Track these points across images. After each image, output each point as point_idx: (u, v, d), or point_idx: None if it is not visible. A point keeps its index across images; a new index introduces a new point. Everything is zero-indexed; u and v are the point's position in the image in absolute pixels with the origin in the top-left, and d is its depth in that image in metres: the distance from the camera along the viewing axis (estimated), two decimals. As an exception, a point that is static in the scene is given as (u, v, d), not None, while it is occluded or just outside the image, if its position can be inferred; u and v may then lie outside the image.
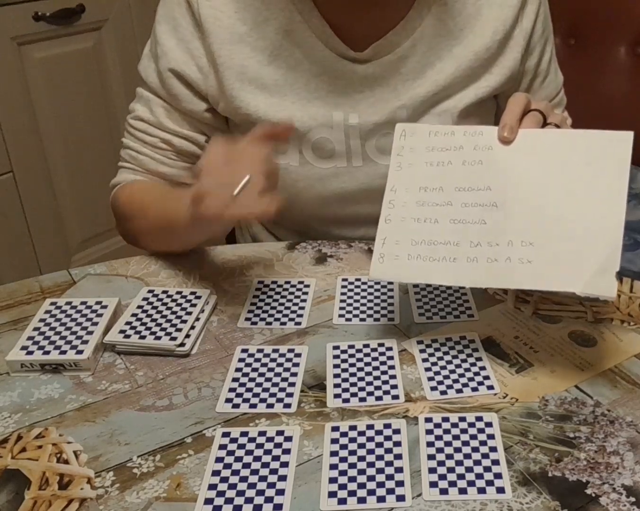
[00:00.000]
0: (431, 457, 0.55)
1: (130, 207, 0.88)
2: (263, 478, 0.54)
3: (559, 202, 0.64)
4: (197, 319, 0.72)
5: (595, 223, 0.62)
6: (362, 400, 0.62)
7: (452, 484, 0.53)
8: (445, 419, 0.59)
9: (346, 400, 0.62)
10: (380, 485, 0.53)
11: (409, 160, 0.69)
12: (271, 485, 0.53)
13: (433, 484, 0.53)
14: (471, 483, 0.53)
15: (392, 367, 0.66)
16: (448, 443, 0.57)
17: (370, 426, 0.59)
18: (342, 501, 0.52)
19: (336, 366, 0.66)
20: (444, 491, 0.53)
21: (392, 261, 0.66)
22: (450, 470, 0.54)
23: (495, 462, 0.55)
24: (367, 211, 0.89)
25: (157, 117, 0.88)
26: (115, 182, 0.93)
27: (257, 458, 0.56)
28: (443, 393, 0.63)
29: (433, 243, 0.66)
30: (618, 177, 0.63)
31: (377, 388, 0.63)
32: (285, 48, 0.83)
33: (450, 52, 0.84)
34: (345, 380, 0.64)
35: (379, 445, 0.57)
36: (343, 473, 0.54)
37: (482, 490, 0.53)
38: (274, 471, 0.55)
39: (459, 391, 0.63)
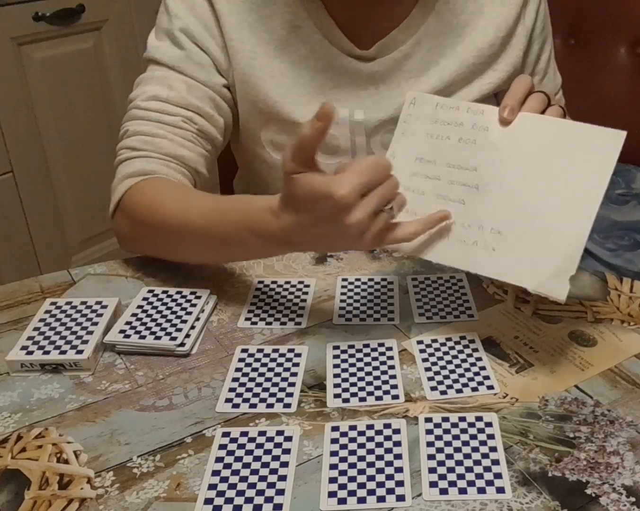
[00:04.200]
0: (431, 457, 0.55)
1: (161, 207, 0.76)
2: (263, 478, 0.54)
3: (535, 194, 0.64)
4: (197, 319, 0.72)
5: (564, 223, 0.62)
6: (362, 400, 0.62)
7: (452, 484, 0.53)
8: (445, 419, 0.59)
9: (346, 400, 0.62)
10: (380, 484, 0.53)
11: (412, 129, 0.71)
12: (271, 485, 0.53)
13: (433, 484, 0.53)
14: (471, 483, 0.53)
15: (392, 367, 0.66)
16: (448, 443, 0.57)
17: (370, 426, 0.59)
18: (342, 501, 0.52)
19: (336, 366, 0.66)
20: (443, 491, 0.53)
21: None
22: (450, 469, 0.54)
23: (495, 462, 0.55)
24: None
25: (180, 92, 0.82)
26: (128, 173, 0.80)
27: (257, 458, 0.56)
28: (443, 393, 0.63)
29: (414, 213, 0.67)
30: (600, 177, 0.62)
31: (377, 388, 0.63)
32: (290, 43, 0.83)
33: (453, 50, 0.85)
34: (345, 380, 0.64)
35: (379, 444, 0.57)
36: (343, 473, 0.54)
37: (482, 490, 0.53)
38: (274, 471, 0.55)
39: (459, 391, 0.63)
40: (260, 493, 0.53)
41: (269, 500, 0.52)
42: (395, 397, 0.62)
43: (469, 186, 0.66)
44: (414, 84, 0.85)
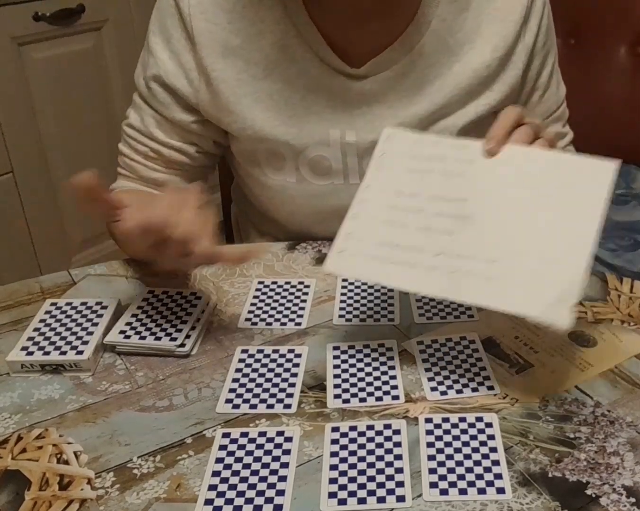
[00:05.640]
0: (431, 458, 0.55)
1: None
2: (263, 479, 0.54)
3: (530, 224, 0.62)
4: (197, 319, 0.72)
5: (562, 251, 0.60)
6: (362, 400, 0.62)
7: (452, 485, 0.53)
8: (446, 420, 0.59)
9: (346, 401, 0.62)
10: (381, 485, 0.53)
11: (389, 164, 0.69)
12: (271, 486, 0.53)
13: (433, 485, 0.53)
14: (471, 484, 0.53)
15: (392, 367, 0.66)
16: (448, 444, 0.57)
17: (370, 427, 0.59)
18: (342, 501, 0.52)
19: (336, 366, 0.66)
20: (444, 492, 0.53)
21: (350, 258, 0.65)
22: (451, 470, 0.54)
23: (496, 463, 0.55)
24: None
25: (147, 127, 0.87)
26: (111, 187, 0.92)
27: (257, 459, 0.56)
28: (443, 393, 0.63)
29: (396, 246, 0.64)
30: (594, 207, 0.61)
31: (377, 388, 0.63)
32: (280, 63, 0.81)
33: (450, 70, 0.82)
34: (345, 380, 0.64)
35: (379, 445, 0.57)
36: (343, 473, 0.54)
37: (482, 491, 0.53)
38: (274, 472, 0.55)
39: (459, 391, 0.63)
40: (260, 493, 0.53)
41: (269, 500, 0.52)
42: (396, 398, 0.62)
43: (457, 217, 0.64)
44: (407, 103, 0.83)
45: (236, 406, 0.62)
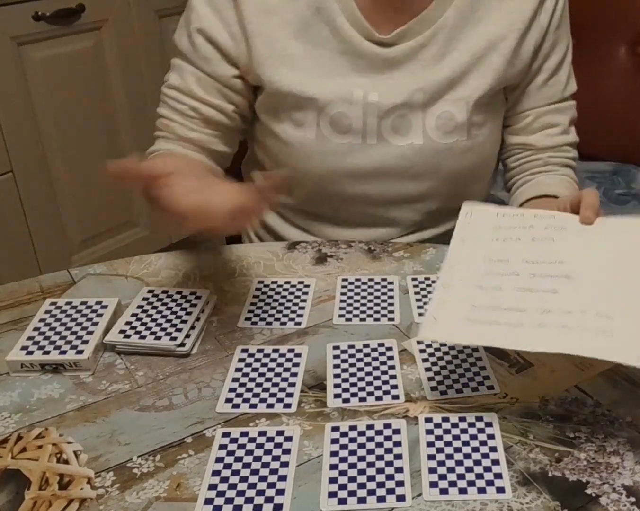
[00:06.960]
0: (431, 457, 0.55)
1: None
2: (263, 478, 0.54)
3: (636, 285, 0.62)
4: (197, 319, 0.72)
5: None
6: (362, 400, 0.62)
7: (452, 484, 0.53)
8: (445, 419, 0.59)
9: (346, 400, 0.62)
10: (381, 485, 0.53)
11: (473, 236, 0.69)
12: (271, 485, 0.53)
13: (433, 484, 0.53)
14: (471, 483, 0.53)
15: (392, 367, 0.66)
16: (448, 443, 0.57)
17: (370, 426, 0.59)
18: (342, 501, 0.52)
19: (336, 366, 0.66)
20: (444, 491, 0.53)
21: (447, 324, 0.62)
22: (451, 470, 0.54)
23: (495, 462, 0.55)
24: (375, 191, 0.91)
25: (188, 85, 0.89)
26: (149, 151, 0.94)
27: (257, 458, 0.56)
28: (443, 393, 0.63)
29: (498, 308, 0.62)
30: None
31: (377, 388, 0.63)
32: (313, 24, 0.86)
33: (467, 42, 0.87)
34: (345, 380, 0.64)
35: (379, 445, 0.57)
36: (343, 473, 0.54)
37: (482, 490, 0.53)
38: (274, 471, 0.55)
39: (459, 391, 0.63)
40: (260, 493, 0.53)
41: (269, 500, 0.52)
42: (396, 397, 0.62)
43: (557, 277, 0.63)
44: (428, 73, 0.87)
45: (236, 406, 0.62)
